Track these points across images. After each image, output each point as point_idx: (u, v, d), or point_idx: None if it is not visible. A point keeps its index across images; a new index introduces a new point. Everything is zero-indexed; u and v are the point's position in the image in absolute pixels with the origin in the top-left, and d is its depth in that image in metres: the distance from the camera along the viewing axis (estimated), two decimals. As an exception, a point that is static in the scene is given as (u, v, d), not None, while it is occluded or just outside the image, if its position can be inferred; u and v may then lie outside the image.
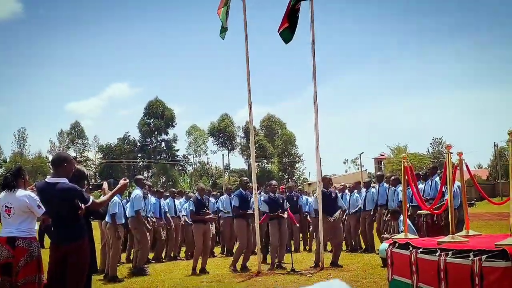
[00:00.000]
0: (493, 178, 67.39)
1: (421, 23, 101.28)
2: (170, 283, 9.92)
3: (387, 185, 13.67)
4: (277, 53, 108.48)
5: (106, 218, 10.65)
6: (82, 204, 5.56)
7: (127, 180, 6.12)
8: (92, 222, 6.59)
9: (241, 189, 11.89)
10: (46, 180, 5.65)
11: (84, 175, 6.28)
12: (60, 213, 5.56)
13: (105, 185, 6.23)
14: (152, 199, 13.55)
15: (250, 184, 11.80)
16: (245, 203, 11.58)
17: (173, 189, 17.23)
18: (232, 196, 13.10)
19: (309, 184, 62.22)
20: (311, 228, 14.93)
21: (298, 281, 9.39)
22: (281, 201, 11.72)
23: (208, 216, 11.54)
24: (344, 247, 14.16)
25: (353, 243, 14.36)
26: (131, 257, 13.29)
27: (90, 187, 6.47)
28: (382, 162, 78.74)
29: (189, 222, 13.21)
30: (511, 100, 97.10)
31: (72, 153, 77.55)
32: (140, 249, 11.47)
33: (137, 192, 11.62)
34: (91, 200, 5.55)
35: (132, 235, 12.80)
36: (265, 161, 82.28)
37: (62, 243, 5.53)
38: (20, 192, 6.47)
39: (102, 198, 5.83)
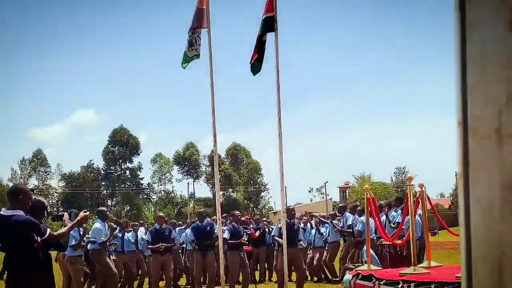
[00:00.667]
0: (455, 207, 68.50)
1: (385, 50, 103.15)
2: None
3: (349, 214, 13.75)
4: (243, 82, 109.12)
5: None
6: (38, 237, 5.42)
7: (87, 212, 6.03)
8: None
9: (198, 221, 11.89)
10: (1, 212, 5.49)
11: (43, 206, 6.14)
12: (16, 246, 5.41)
13: (66, 216, 6.12)
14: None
15: (208, 214, 11.90)
16: (201, 235, 11.51)
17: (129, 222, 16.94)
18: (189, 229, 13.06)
19: (274, 213, 62.20)
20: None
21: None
22: (243, 233, 11.75)
23: (162, 245, 11.37)
24: (309, 277, 14.18)
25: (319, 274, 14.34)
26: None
27: (50, 218, 6.35)
28: (347, 191, 79.38)
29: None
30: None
31: (34, 181, 76.19)
32: (108, 282, 11.27)
33: (97, 225, 11.44)
34: (48, 233, 5.41)
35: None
36: (230, 189, 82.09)
37: (18, 276, 5.37)
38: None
39: (61, 230, 5.71)
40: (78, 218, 5.85)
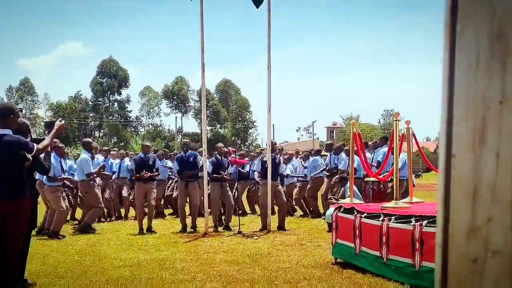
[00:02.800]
0: (440, 150, 69.22)
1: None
2: (115, 241, 9.85)
3: (335, 155, 13.81)
4: (235, 19, 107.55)
5: (44, 180, 10.42)
6: (29, 154, 5.36)
7: (63, 121, 5.95)
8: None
9: (182, 152, 11.97)
10: None
11: (28, 128, 6.06)
12: (3, 166, 5.35)
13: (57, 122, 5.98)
14: (101, 157, 13.40)
15: (192, 145, 11.93)
16: (185, 165, 11.59)
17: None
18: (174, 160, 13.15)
19: (262, 150, 62.37)
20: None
21: (244, 242, 9.45)
22: (226, 165, 11.82)
23: (146, 174, 11.38)
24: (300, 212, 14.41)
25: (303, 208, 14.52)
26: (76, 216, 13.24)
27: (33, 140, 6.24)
28: (334, 131, 79.71)
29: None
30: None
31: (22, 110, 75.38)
32: (92, 210, 11.41)
33: (84, 155, 11.49)
34: (35, 148, 5.36)
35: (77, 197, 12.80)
36: (218, 125, 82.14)
37: (2, 198, 5.33)
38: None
39: (43, 142, 5.63)
40: (55, 128, 5.77)
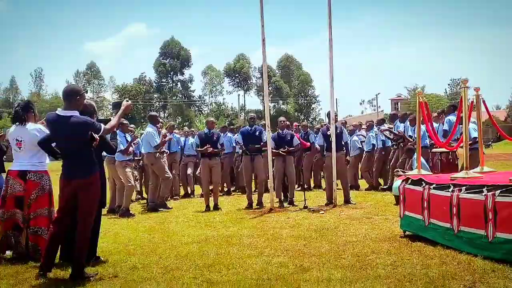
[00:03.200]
0: (511, 119, 66.72)
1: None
2: (183, 219, 9.99)
3: (401, 123, 13.50)
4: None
5: (116, 156, 10.64)
6: (96, 135, 5.50)
7: (129, 101, 6.05)
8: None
9: (247, 125, 11.87)
10: (57, 112, 5.52)
11: (94, 109, 6.19)
12: (72, 147, 5.50)
13: (112, 119, 6.09)
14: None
15: (255, 119, 11.85)
16: (250, 139, 11.49)
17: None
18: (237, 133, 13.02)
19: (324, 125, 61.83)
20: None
21: (310, 217, 9.40)
22: (289, 137, 11.70)
23: (208, 148, 11.30)
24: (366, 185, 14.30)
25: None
26: (144, 195, 13.49)
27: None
28: (399, 103, 78.11)
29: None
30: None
31: (89, 94, 77.64)
32: (162, 183, 11.60)
33: (149, 129, 11.65)
34: (102, 128, 5.48)
35: (145, 173, 12.98)
36: (280, 101, 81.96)
37: (74, 177, 5.50)
38: (31, 126, 6.47)
39: (111, 122, 5.74)
40: (123, 107, 5.86)
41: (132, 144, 11.08)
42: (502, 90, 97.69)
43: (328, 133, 11.22)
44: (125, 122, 11.21)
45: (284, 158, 11.48)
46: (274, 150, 11.28)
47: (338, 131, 11.33)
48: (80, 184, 5.45)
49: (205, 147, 11.23)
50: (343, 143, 11.48)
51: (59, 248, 5.90)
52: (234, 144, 14.49)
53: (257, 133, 11.49)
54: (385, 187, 13.58)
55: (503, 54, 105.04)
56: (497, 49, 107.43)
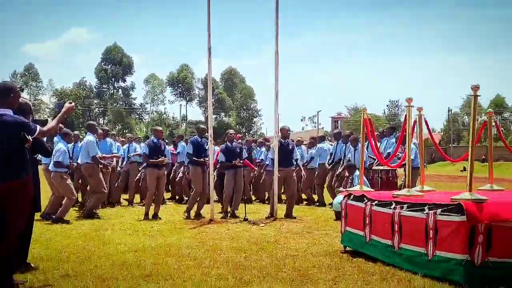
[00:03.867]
0: (445, 142, 69.07)
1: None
2: (120, 226, 9.73)
3: (343, 144, 13.59)
4: (241, 8, 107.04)
5: (50, 167, 10.35)
6: (29, 136, 5.18)
7: (73, 104, 5.76)
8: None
9: (197, 136, 11.68)
10: None
11: (30, 108, 5.90)
12: (3, 148, 5.17)
13: (50, 121, 5.82)
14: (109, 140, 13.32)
15: (206, 132, 11.64)
16: (200, 151, 11.33)
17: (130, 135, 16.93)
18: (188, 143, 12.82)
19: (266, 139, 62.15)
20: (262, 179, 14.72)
21: (250, 230, 9.32)
22: (238, 150, 11.60)
23: (164, 160, 11.28)
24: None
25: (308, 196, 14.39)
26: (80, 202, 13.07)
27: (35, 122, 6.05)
28: (339, 121, 79.49)
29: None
30: (465, 67, 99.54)
31: (25, 95, 75.38)
32: (95, 196, 11.15)
33: (90, 138, 11.25)
34: (38, 130, 5.17)
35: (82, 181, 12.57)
36: (223, 114, 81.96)
37: (4, 179, 5.16)
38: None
39: (49, 124, 5.46)
40: (64, 109, 5.58)
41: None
42: (437, 115, 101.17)
43: (289, 147, 11.48)
44: (69, 132, 10.92)
45: (235, 170, 11.39)
46: (227, 163, 11.30)
47: (290, 147, 11.53)
48: (10, 186, 5.13)
49: (158, 159, 11.08)
50: (293, 159, 11.64)
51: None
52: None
53: (206, 144, 11.36)
54: (317, 204, 13.73)
55: (438, 80, 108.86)
56: (434, 74, 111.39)
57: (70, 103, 5.72)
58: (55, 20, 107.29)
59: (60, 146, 10.49)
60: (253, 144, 15.59)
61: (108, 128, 15.42)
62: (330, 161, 13.71)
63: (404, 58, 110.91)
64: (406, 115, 6.83)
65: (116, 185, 13.80)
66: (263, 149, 15.51)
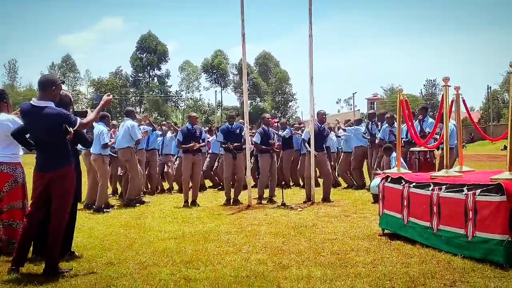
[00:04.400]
0: (484, 121, 67.63)
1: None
2: (159, 214, 9.86)
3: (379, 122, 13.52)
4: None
5: (92, 150, 10.39)
6: (70, 128, 5.31)
7: (111, 96, 5.86)
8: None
9: (227, 123, 11.78)
10: (32, 102, 5.32)
11: (71, 101, 6.03)
12: (45, 138, 5.31)
13: (89, 111, 5.96)
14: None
15: (234, 118, 11.80)
16: (231, 137, 11.37)
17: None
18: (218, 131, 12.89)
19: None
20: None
21: (288, 214, 9.35)
22: (272, 135, 11.63)
23: (195, 145, 11.26)
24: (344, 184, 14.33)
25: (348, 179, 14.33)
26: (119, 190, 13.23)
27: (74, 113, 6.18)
28: (375, 103, 78.61)
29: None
30: (504, 43, 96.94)
31: (64, 87, 76.64)
32: (130, 183, 11.27)
33: (131, 122, 11.27)
34: (78, 122, 5.29)
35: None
36: (258, 98, 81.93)
37: (47, 170, 5.32)
38: (3, 116, 6.27)
39: (89, 116, 5.59)
40: (102, 102, 5.69)
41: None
42: (476, 93, 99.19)
43: (324, 133, 11.51)
44: (107, 115, 11.05)
45: (271, 155, 11.43)
46: (263, 146, 11.32)
47: (325, 133, 11.55)
48: (53, 176, 5.28)
49: (191, 144, 11.15)
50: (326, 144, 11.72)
51: (32, 243, 5.74)
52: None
53: (238, 130, 11.41)
54: (355, 187, 13.71)
55: (477, 57, 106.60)
56: (472, 51, 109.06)
57: (108, 95, 5.84)
58: (90, 10, 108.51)
59: (101, 128, 10.57)
60: (287, 127, 15.50)
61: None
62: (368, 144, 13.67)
63: (441, 37, 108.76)
64: (443, 95, 6.73)
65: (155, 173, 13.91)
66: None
